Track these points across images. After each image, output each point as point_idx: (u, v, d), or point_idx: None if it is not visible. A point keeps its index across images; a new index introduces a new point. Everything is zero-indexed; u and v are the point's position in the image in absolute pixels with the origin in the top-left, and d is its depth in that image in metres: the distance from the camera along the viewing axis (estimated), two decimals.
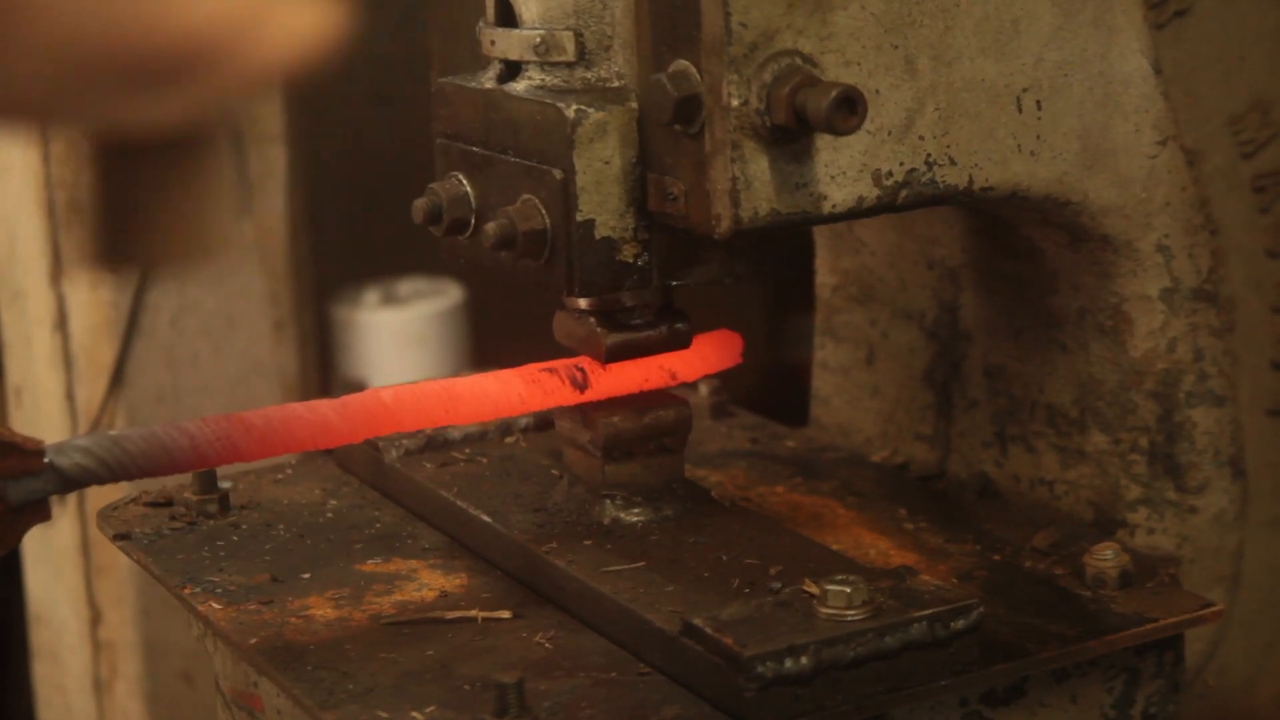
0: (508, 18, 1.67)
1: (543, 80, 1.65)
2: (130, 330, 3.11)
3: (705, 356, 1.79)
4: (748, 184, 1.52)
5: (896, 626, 1.49)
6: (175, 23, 0.82)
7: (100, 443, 1.50)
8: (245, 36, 0.84)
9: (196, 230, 0.90)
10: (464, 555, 1.80)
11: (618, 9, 1.63)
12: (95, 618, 3.24)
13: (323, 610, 1.68)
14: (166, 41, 0.83)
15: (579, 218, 1.60)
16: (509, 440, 1.98)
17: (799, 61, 1.52)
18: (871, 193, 1.58)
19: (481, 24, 1.71)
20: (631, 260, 1.62)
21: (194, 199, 0.89)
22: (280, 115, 3.21)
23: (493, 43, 1.68)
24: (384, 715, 1.49)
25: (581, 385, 1.72)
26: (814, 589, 1.53)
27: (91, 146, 0.88)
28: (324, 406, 1.63)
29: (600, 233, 1.61)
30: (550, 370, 1.73)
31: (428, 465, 1.91)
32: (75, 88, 0.83)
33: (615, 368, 1.74)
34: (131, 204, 0.88)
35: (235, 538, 1.84)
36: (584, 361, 1.74)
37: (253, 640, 1.62)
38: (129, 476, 1.51)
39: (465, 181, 1.71)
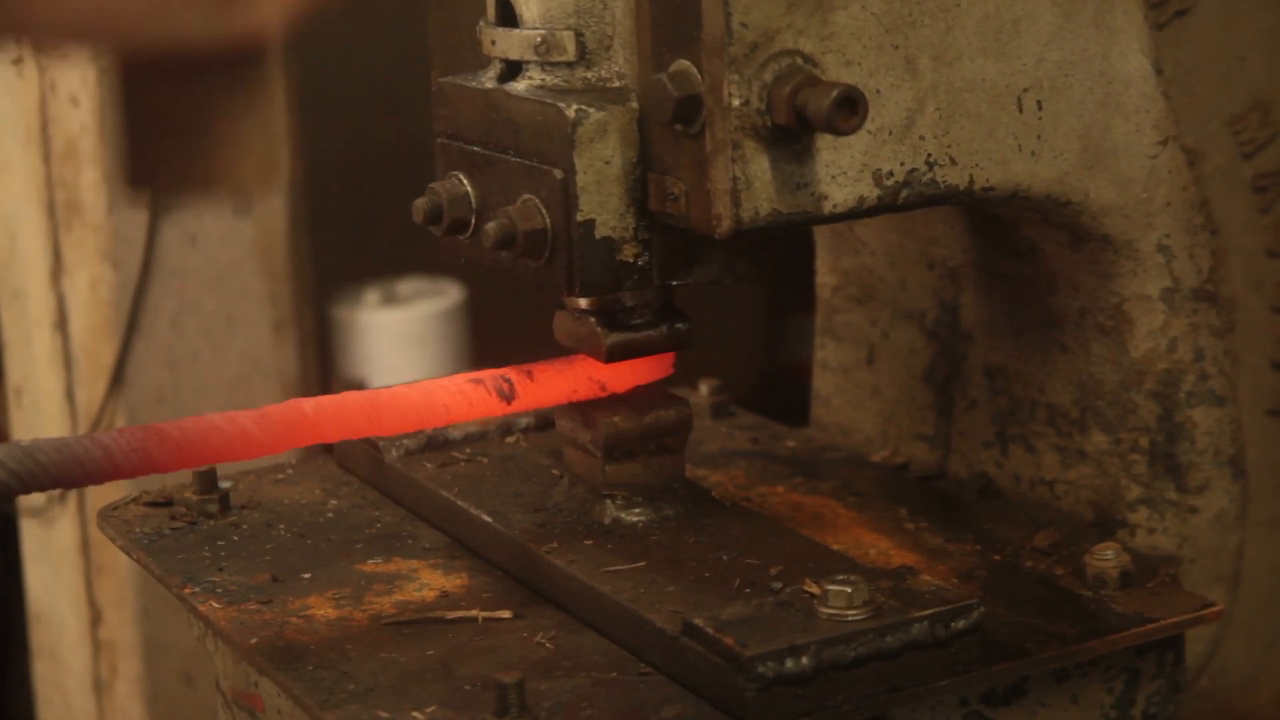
0: (508, 17, 1.67)
1: (543, 80, 1.65)
2: (130, 330, 3.11)
3: (635, 367, 1.78)
4: (748, 184, 1.52)
5: (897, 626, 1.49)
6: None
7: (12, 453, 1.48)
8: None
9: (248, 155, 0.87)
10: (464, 555, 1.80)
11: (618, 9, 1.63)
12: (95, 618, 3.25)
13: (323, 610, 1.68)
14: None
15: (579, 218, 1.60)
16: (509, 440, 1.98)
17: (800, 61, 1.52)
18: (872, 193, 1.58)
19: (482, 24, 1.71)
20: (632, 260, 1.62)
21: (244, 121, 0.86)
22: (280, 115, 3.20)
23: (493, 42, 1.68)
24: (384, 715, 1.49)
25: (508, 396, 1.72)
26: (814, 589, 1.53)
27: (144, 66, 0.84)
28: (244, 418, 1.60)
29: (600, 233, 1.61)
30: (477, 381, 1.72)
31: (428, 465, 1.91)
32: (141, 6, 0.81)
33: (543, 379, 1.73)
34: (189, 124, 0.85)
35: (236, 538, 1.84)
36: (510, 372, 1.73)
37: (253, 640, 1.62)
38: (41, 488, 1.49)
39: (466, 181, 1.71)
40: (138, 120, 0.85)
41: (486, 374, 1.73)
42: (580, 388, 1.75)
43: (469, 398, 1.70)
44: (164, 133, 0.84)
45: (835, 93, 1.47)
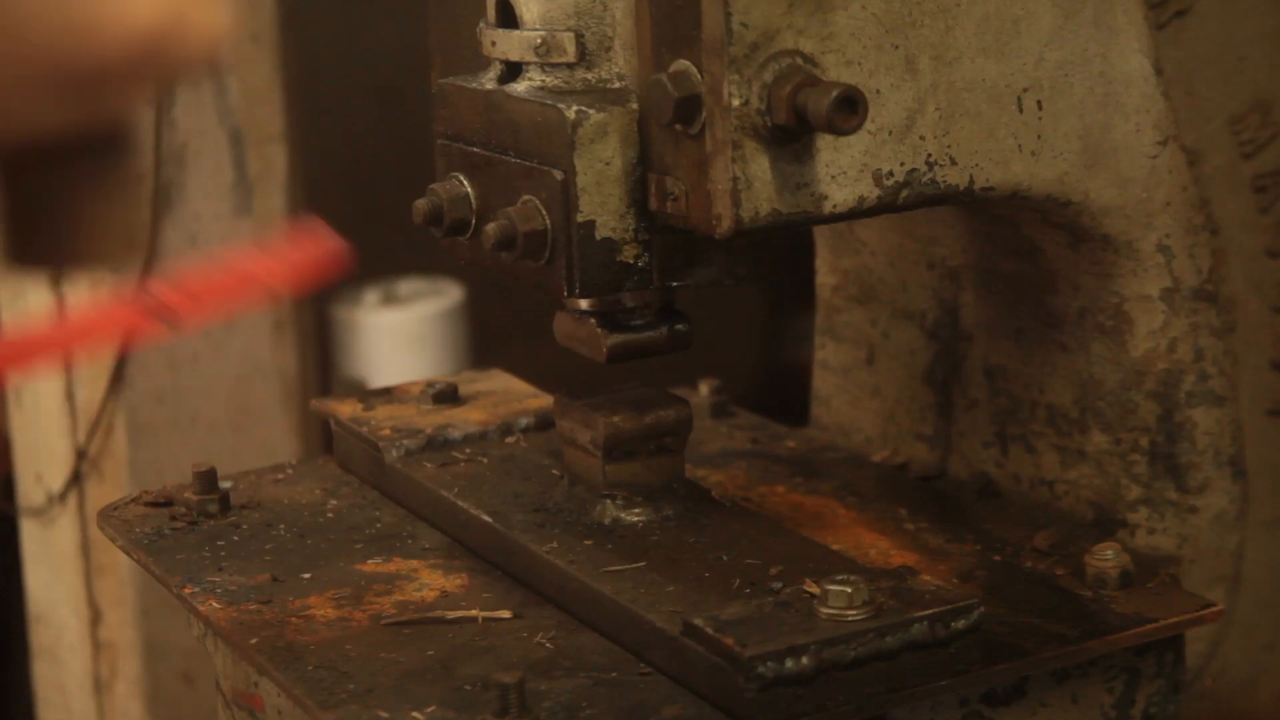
0: (508, 18, 1.67)
1: (543, 81, 1.65)
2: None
3: (291, 256, 1.68)
4: (748, 184, 1.52)
5: (897, 626, 1.49)
6: (113, 29, 0.83)
7: None
8: (174, 39, 0.85)
9: (114, 231, 0.90)
10: (464, 555, 1.80)
11: (618, 9, 1.63)
12: (95, 618, 3.25)
13: (323, 610, 1.68)
14: (105, 48, 0.83)
15: (579, 218, 1.60)
16: (509, 440, 1.98)
17: (800, 61, 1.52)
18: (872, 193, 1.58)
19: (482, 25, 1.71)
20: (632, 261, 1.62)
21: (110, 200, 0.90)
22: (280, 115, 3.21)
23: (493, 43, 1.68)
24: (384, 715, 1.49)
25: (163, 315, 1.66)
26: (814, 589, 1.53)
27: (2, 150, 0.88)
28: None
29: (601, 233, 1.61)
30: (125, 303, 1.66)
31: (428, 465, 1.91)
32: (6, 98, 0.83)
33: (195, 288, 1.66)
34: (47, 206, 0.89)
35: (235, 538, 1.84)
36: (163, 291, 1.67)
37: (253, 640, 1.62)
38: None
39: (466, 182, 1.71)
40: (12, 201, 0.89)
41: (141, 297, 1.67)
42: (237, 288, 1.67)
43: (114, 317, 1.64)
44: (37, 214, 0.89)
45: (835, 93, 1.47)
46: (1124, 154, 1.71)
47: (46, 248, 0.90)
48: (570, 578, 1.66)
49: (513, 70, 1.68)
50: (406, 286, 3.76)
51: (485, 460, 1.92)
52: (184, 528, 1.87)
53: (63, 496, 3.22)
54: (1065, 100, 1.66)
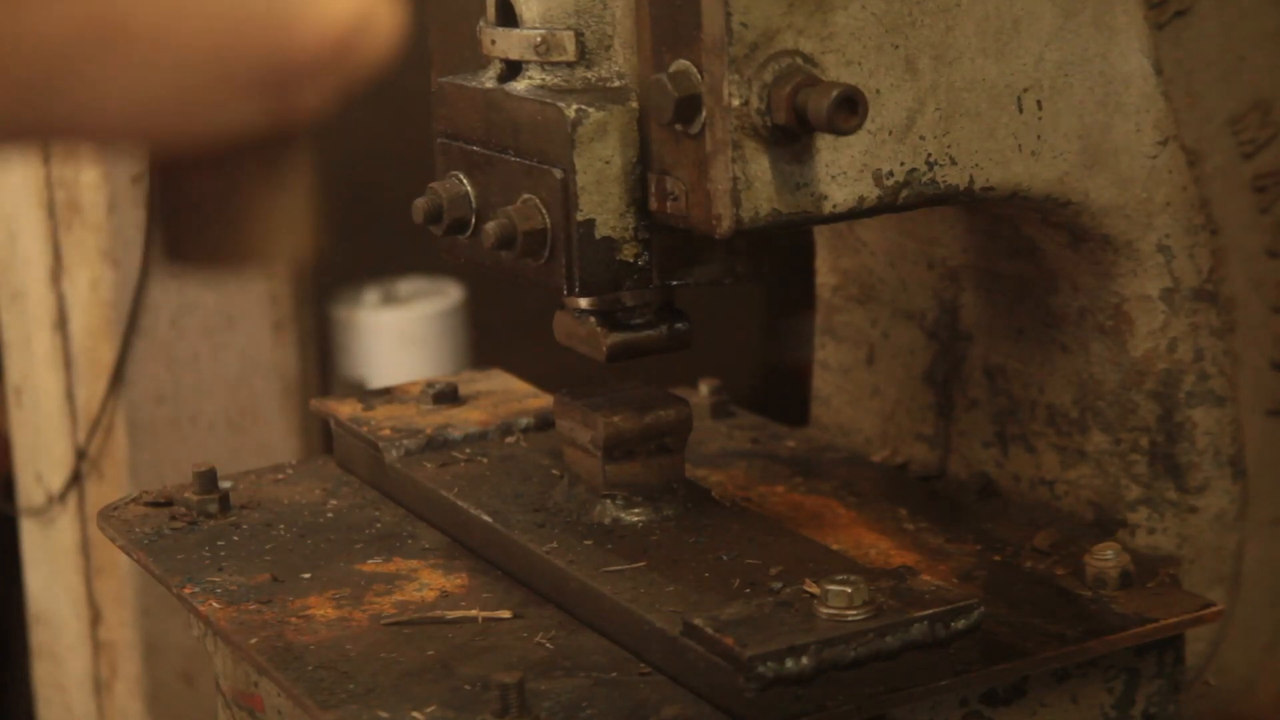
0: (508, 17, 1.67)
1: (543, 80, 1.65)
2: (130, 330, 3.11)
3: None
4: (748, 184, 1.52)
5: (897, 626, 1.49)
6: (308, 27, 0.81)
7: None
8: (365, 39, 0.83)
9: (287, 229, 0.88)
10: (464, 555, 1.80)
11: (618, 9, 1.63)
12: (95, 618, 3.24)
13: (323, 610, 1.68)
14: (298, 46, 0.81)
15: (579, 217, 1.60)
16: (509, 440, 1.98)
17: (800, 61, 1.52)
18: (872, 193, 1.58)
19: (482, 23, 1.71)
20: (632, 260, 1.62)
21: (280, 198, 0.88)
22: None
23: (493, 42, 1.68)
24: (384, 715, 1.49)
25: None
26: (814, 589, 1.53)
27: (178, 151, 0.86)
28: None
29: (600, 232, 1.61)
30: None
31: (428, 465, 1.91)
32: (191, 102, 0.81)
33: None
34: (213, 202, 0.87)
35: (235, 538, 1.84)
36: None
37: (253, 640, 1.62)
38: None
39: (465, 181, 1.71)
40: (169, 198, 0.87)
41: None
42: None
43: None
44: (197, 212, 0.86)
45: (835, 93, 1.47)
46: (1124, 154, 1.71)
47: (211, 245, 0.88)
48: (570, 578, 1.66)
49: (512, 69, 1.68)
50: (406, 286, 3.76)
51: (485, 460, 1.92)
52: (184, 528, 1.87)
53: (63, 496, 3.22)
54: (1065, 100, 1.66)
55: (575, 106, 1.59)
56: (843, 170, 1.56)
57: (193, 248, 0.87)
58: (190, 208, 0.87)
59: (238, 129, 0.83)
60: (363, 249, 3.87)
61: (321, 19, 0.82)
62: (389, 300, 3.74)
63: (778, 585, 1.60)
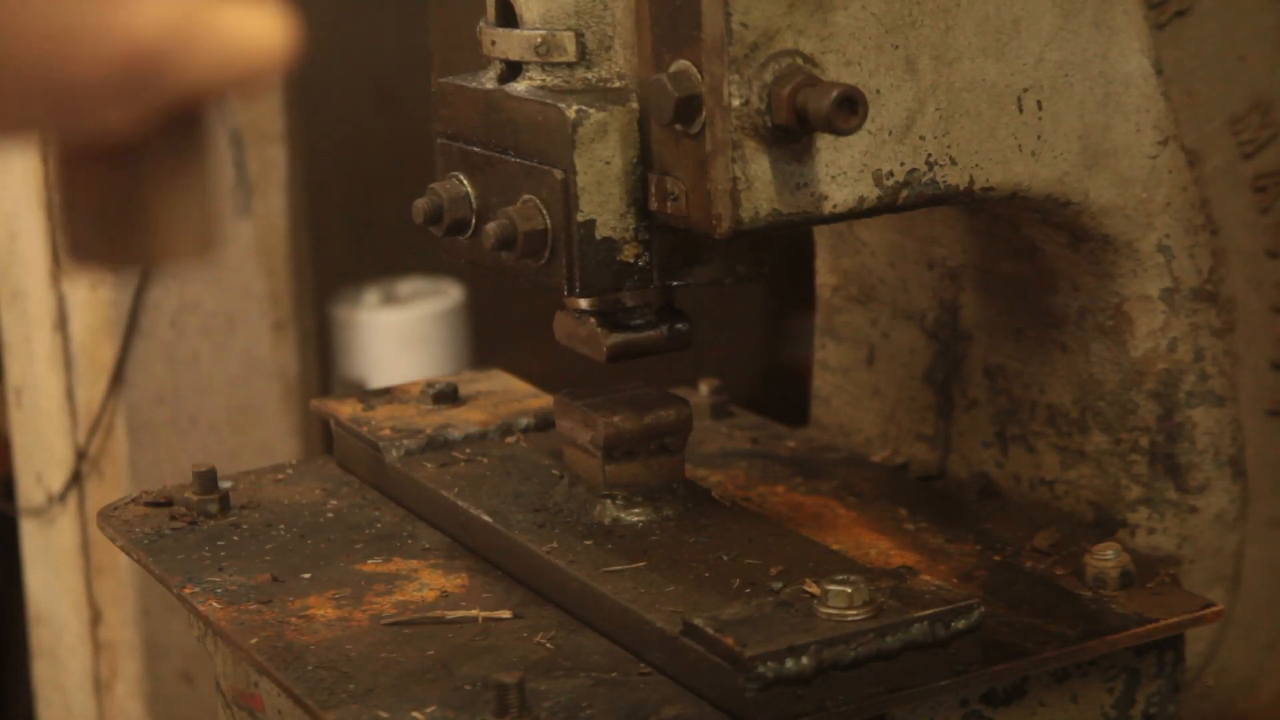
0: (508, 18, 1.67)
1: (543, 80, 1.65)
2: (130, 330, 3.11)
3: None
4: (748, 184, 1.52)
5: (897, 626, 1.49)
6: (116, 36, 0.80)
7: None
8: (186, 47, 0.82)
9: (182, 229, 0.89)
10: (464, 555, 1.80)
11: (618, 9, 1.63)
12: (95, 618, 3.25)
13: (323, 610, 1.68)
14: (109, 55, 0.80)
15: (580, 218, 1.60)
16: (509, 440, 1.98)
17: (800, 61, 1.52)
18: (872, 193, 1.58)
19: (482, 24, 1.71)
20: (632, 260, 1.62)
21: (182, 197, 0.89)
22: (280, 115, 3.21)
23: (493, 43, 1.68)
24: (384, 715, 1.49)
25: None
26: (815, 589, 1.53)
27: (64, 150, 0.87)
28: None
29: (601, 233, 1.61)
30: None
31: (428, 465, 1.91)
32: (16, 104, 0.81)
33: None
34: (113, 205, 0.88)
35: (235, 538, 1.84)
36: None
37: (253, 640, 1.62)
38: None
39: (466, 181, 1.71)
40: (69, 199, 0.88)
41: None
42: None
43: None
44: (97, 213, 0.87)
45: (835, 93, 1.47)
46: (1124, 154, 1.71)
47: (114, 245, 0.89)
48: (570, 578, 1.66)
49: (513, 70, 1.68)
50: (406, 286, 3.76)
51: (485, 460, 1.92)
52: (184, 528, 1.87)
53: (63, 496, 3.23)
54: (1065, 100, 1.66)
55: (575, 107, 1.59)
56: (843, 170, 1.56)
57: (95, 248, 0.89)
58: (90, 208, 0.88)
59: (122, 125, 0.83)
60: (363, 249, 3.87)
61: (115, 34, 0.80)
62: (389, 300, 3.74)
63: (778, 585, 1.60)
